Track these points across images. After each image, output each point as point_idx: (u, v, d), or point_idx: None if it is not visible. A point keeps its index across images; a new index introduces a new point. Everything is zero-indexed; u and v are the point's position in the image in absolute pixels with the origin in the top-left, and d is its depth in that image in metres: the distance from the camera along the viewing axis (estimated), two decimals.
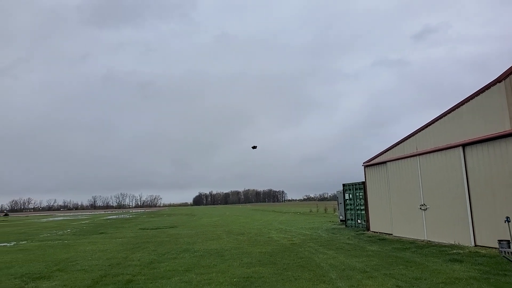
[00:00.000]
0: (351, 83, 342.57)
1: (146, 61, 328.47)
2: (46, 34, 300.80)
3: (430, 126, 14.16)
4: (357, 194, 20.66)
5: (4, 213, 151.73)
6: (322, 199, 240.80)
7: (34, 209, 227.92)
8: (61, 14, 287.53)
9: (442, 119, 13.58)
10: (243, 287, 7.57)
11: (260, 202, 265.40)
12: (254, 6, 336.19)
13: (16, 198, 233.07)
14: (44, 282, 8.50)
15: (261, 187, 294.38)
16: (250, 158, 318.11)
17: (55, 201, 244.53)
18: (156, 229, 25.33)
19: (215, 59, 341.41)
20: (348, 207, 21.75)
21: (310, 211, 48.19)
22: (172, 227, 26.30)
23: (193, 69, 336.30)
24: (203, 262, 10.64)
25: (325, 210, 47.08)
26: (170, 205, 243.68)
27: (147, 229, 25.62)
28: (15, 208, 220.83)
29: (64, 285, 8.10)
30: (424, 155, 14.45)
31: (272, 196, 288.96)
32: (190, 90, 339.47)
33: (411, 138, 15.25)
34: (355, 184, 20.82)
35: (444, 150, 13.40)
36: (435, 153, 13.86)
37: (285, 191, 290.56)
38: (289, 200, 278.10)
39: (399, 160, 16.00)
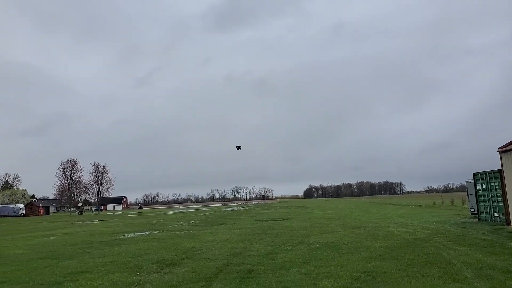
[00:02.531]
0: (480, 59, 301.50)
1: (263, 58, 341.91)
2: (174, 43, 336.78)
3: None
4: (491, 183, 18.17)
5: (139, 206, 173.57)
6: (447, 190, 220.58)
7: (162, 202, 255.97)
8: (186, 24, 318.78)
9: None
10: (364, 282, 7.20)
11: (375, 195, 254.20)
12: None
13: (147, 192, 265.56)
14: (176, 268, 9.32)
15: (376, 179, 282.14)
16: (364, 148, 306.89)
17: (179, 195, 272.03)
18: (270, 221, 26.04)
19: (329, 49, 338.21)
20: (481, 198, 19.29)
21: (434, 204, 44.25)
22: (286, 219, 26.72)
23: (307, 61, 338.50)
24: (320, 255, 10.48)
25: (452, 202, 42.70)
26: (281, 198, 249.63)
27: (262, 220, 26.50)
28: (147, 202, 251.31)
29: (193, 272, 8.75)
30: None
31: (388, 188, 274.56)
32: (304, 82, 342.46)
33: None
34: (489, 172, 18.33)
35: None
36: None
37: (403, 183, 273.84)
38: (408, 192, 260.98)
39: None
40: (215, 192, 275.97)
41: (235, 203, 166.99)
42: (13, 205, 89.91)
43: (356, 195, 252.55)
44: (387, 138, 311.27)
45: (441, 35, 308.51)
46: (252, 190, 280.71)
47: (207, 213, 46.26)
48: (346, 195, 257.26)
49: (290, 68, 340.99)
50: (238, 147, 30.97)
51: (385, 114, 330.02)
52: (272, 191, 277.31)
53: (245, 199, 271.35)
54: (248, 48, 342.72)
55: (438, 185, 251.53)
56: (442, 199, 50.09)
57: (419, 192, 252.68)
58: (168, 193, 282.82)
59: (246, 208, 65.64)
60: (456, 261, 8.79)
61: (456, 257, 9.29)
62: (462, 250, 10.33)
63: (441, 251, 10.34)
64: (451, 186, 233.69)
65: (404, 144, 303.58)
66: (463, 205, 36.50)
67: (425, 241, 12.38)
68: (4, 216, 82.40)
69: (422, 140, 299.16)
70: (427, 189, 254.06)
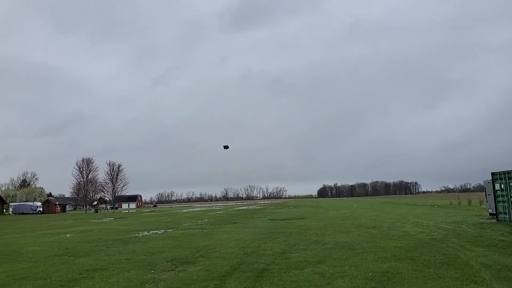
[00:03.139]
0: (499, 56, 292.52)
1: (279, 57, 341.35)
2: (190, 43, 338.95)
3: None
4: (510, 183, 17.76)
5: (153, 205, 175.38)
6: (464, 190, 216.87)
7: (176, 201, 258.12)
8: (203, 23, 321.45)
9: None
10: (379, 282, 7.11)
11: (390, 194, 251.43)
12: None
13: (162, 191, 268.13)
14: (190, 266, 9.36)
15: (390, 179, 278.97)
16: (379, 148, 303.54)
17: (193, 194, 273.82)
18: (284, 220, 25.98)
19: (345, 47, 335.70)
20: (500, 198, 18.88)
21: (450, 204, 43.56)
22: (300, 219, 26.62)
23: (323, 60, 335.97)
24: (334, 254, 10.40)
25: (469, 202, 41.92)
26: (295, 197, 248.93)
27: (275, 220, 26.45)
28: (161, 200, 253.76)
29: (207, 270, 8.77)
30: None
31: (403, 188, 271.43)
32: (319, 81, 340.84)
33: None
34: (508, 172, 17.92)
35: None
36: None
37: (418, 182, 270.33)
38: (423, 192, 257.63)
39: None
40: (229, 191, 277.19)
41: (248, 202, 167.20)
42: (31, 203, 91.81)
43: (370, 195, 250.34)
44: (402, 137, 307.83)
45: (459, 32, 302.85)
46: (265, 189, 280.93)
47: (221, 212, 46.42)
48: (360, 195, 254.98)
49: (305, 67, 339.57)
50: (226, 147, 30.95)
51: (400, 113, 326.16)
52: (286, 190, 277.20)
53: (258, 198, 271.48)
54: (264, 47, 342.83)
55: (455, 185, 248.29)
56: (459, 199, 49.19)
57: (435, 192, 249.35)
58: (182, 192, 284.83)
59: (259, 207, 65.64)
60: (474, 262, 8.62)
61: (474, 258, 9.11)
62: (480, 251, 10.13)
63: (458, 252, 10.16)
64: (468, 186, 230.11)
65: (420, 143, 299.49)
66: (480, 205, 35.85)
67: (441, 242, 12.18)
68: (22, 213, 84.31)
69: (438, 139, 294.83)
70: (443, 189, 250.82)
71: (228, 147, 31.40)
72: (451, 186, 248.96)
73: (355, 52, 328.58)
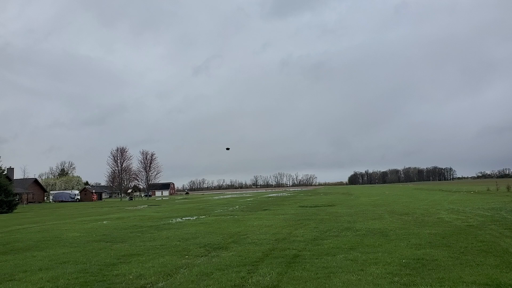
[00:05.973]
0: None
1: (320, 42, 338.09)
2: (231, 31, 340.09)
3: None
4: None
5: (185, 192, 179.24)
6: (502, 175, 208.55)
7: (207, 188, 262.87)
8: (245, 11, 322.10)
9: None
10: (414, 269, 6.99)
11: (423, 181, 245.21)
12: None
13: (194, 179, 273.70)
14: (223, 252, 9.53)
15: (423, 165, 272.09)
16: (415, 133, 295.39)
17: (223, 181, 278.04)
18: (314, 207, 25.88)
19: (389, 29, 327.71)
20: None
21: (488, 190, 41.92)
22: (330, 206, 26.44)
23: (365, 43, 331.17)
24: (367, 241, 10.29)
25: (508, 188, 40.22)
26: (325, 184, 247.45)
27: (306, 206, 26.40)
28: (193, 188, 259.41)
29: (240, 256, 8.90)
30: None
31: (437, 174, 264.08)
32: (360, 64, 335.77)
33: None
34: None
35: None
36: None
37: (453, 168, 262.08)
38: (458, 178, 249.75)
39: None
40: (258, 178, 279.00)
41: (278, 189, 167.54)
42: (69, 191, 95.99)
43: (402, 181, 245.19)
44: (442, 122, 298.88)
45: (504, 11, 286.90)
46: (295, 177, 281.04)
47: (251, 199, 46.80)
48: (392, 181, 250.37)
49: (347, 51, 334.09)
50: (227, 149, 32.65)
51: (441, 97, 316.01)
52: (316, 177, 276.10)
53: (288, 185, 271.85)
54: (306, 32, 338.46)
55: (492, 171, 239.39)
56: (497, 185, 47.24)
57: (471, 177, 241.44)
58: (213, 179, 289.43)
59: (289, 194, 65.68)
60: None
61: None
62: None
63: (497, 239, 9.81)
64: (507, 171, 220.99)
65: (459, 128, 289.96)
66: None
67: (479, 229, 11.78)
68: (62, 201, 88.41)
69: (478, 124, 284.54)
70: (480, 174, 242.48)
71: (229, 148, 33.24)
72: (488, 172, 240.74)
73: (397, 35, 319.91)
